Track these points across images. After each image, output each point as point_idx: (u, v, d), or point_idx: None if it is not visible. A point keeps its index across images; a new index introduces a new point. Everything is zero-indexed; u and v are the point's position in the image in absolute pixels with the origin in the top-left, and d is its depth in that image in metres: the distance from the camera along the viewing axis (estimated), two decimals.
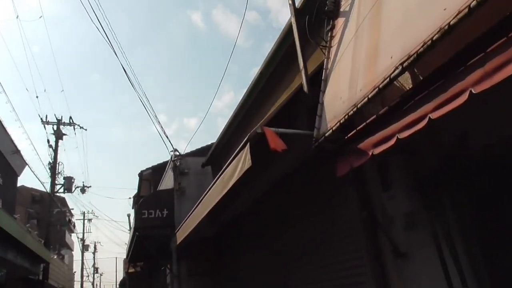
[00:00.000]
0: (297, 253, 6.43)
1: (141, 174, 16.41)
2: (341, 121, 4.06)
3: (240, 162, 4.64)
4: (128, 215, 26.05)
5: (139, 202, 18.31)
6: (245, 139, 4.57)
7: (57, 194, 23.83)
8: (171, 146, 14.90)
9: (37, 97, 45.51)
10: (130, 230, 18.41)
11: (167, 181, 10.14)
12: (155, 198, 9.57)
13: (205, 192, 6.66)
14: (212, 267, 8.62)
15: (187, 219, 7.36)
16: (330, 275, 5.40)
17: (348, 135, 4.08)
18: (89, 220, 50.03)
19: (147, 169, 16.57)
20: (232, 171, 5.00)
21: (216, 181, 6.11)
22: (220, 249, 8.90)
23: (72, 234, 55.20)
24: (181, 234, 7.29)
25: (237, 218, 8.10)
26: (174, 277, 8.46)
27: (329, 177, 4.60)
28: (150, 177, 16.23)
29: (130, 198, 21.73)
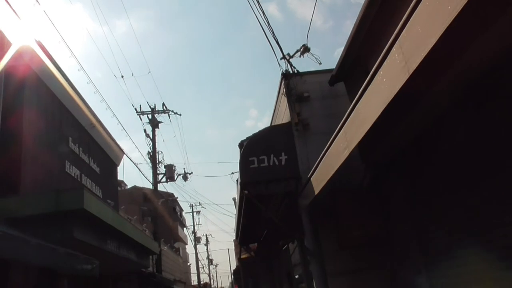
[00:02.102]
0: None
1: (241, 145, 14.10)
2: None
3: None
4: (234, 199, 24.32)
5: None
6: None
7: (161, 183, 22.95)
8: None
9: (122, 76, 46.58)
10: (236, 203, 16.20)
11: (280, 114, 7.19)
12: (266, 139, 6.26)
13: (348, 113, 3.74)
14: (378, 236, 5.42)
15: (321, 160, 4.57)
16: None
17: None
18: (198, 212, 50.90)
19: (247, 138, 14.20)
20: None
21: (366, 87, 3.24)
22: (389, 206, 5.44)
23: (185, 228, 57.14)
24: (317, 183, 4.55)
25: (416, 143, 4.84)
26: (311, 256, 5.61)
27: None
28: None
29: (232, 173, 19.62)
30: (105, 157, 16.15)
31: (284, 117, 6.17)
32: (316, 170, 4.68)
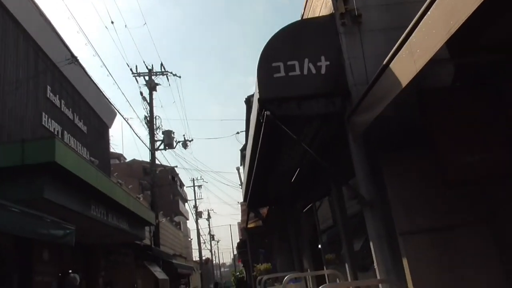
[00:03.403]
0: None
1: (248, 101, 12.26)
2: None
3: None
4: (237, 168, 22.62)
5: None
6: None
7: (159, 151, 21.18)
8: None
9: (112, 22, 43.70)
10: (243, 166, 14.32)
11: (316, 6, 4.74)
12: (297, 37, 3.83)
13: None
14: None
15: (388, 64, 2.74)
16: None
17: None
18: (199, 186, 49.51)
19: (254, 94, 12.33)
20: None
21: None
22: None
23: (186, 204, 55.97)
24: (385, 91, 2.64)
25: None
26: (367, 206, 3.58)
27: None
28: None
29: (238, 133, 17.71)
30: (94, 116, 14.32)
31: (323, 8, 4.24)
32: (374, 86, 2.84)
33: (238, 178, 22.29)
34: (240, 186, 23.67)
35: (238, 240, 25.44)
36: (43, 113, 10.20)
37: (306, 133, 3.77)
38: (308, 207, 6.34)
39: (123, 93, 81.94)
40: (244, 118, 13.84)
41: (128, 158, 47.86)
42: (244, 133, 15.34)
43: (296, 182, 5.85)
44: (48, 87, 10.68)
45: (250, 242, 11.59)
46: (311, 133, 3.85)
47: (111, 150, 39.88)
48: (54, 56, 11.05)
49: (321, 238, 5.65)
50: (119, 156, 45.25)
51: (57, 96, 11.18)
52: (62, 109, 11.45)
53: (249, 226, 10.83)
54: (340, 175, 3.90)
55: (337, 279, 3.78)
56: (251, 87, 12.74)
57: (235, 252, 74.46)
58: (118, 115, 16.27)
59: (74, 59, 10.01)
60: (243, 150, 25.98)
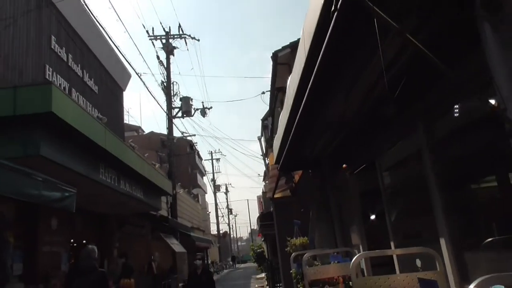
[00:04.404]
0: None
1: (275, 56, 10.85)
2: None
3: None
4: (259, 138, 21.39)
5: (276, 94, 13.04)
6: None
7: (177, 118, 20.07)
8: None
9: None
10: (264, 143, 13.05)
11: None
12: None
13: None
14: None
15: None
16: None
17: None
18: (217, 159, 48.76)
19: (283, 48, 10.89)
20: None
21: None
22: None
23: (204, 177, 55.47)
24: None
25: None
26: None
27: None
28: (289, 59, 10.55)
29: (263, 92, 16.28)
30: (107, 75, 13.15)
31: None
32: None
33: (260, 148, 21.10)
34: (262, 156, 22.49)
35: (259, 214, 24.46)
36: (47, 66, 9.05)
37: (405, 24, 2.39)
38: (361, 167, 5.02)
39: (139, 51, 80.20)
40: (270, 78, 12.41)
41: (146, 131, 47.28)
42: (269, 93, 13.90)
43: (353, 130, 4.49)
44: (53, 37, 9.49)
45: (277, 214, 10.40)
46: (412, 24, 2.47)
47: (129, 122, 39.11)
48: (60, 5, 9.82)
49: (388, 205, 4.35)
50: (137, 129, 44.68)
51: (64, 48, 10.00)
52: (70, 64, 10.29)
53: (276, 196, 9.61)
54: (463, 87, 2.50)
55: (436, 263, 2.50)
56: (270, 62, 11.26)
57: (253, 227, 74.33)
58: (132, 78, 15.09)
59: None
60: (264, 119, 24.68)
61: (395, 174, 4.48)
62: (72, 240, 10.32)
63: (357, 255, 2.81)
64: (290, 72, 11.01)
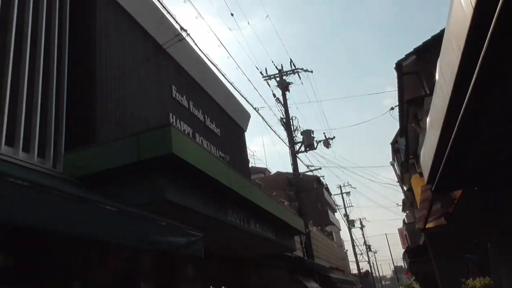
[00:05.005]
0: None
1: (399, 67, 9.50)
2: None
3: None
4: (392, 163, 19.40)
5: (407, 108, 11.27)
6: None
7: (300, 153, 19.48)
8: None
9: (232, 14, 44.47)
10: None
11: None
12: None
13: None
14: None
15: None
16: None
17: None
18: (347, 193, 46.50)
19: (407, 56, 9.53)
20: None
21: None
22: None
23: (335, 213, 53.31)
24: None
25: None
26: None
27: None
28: (415, 66, 9.15)
29: (392, 108, 14.56)
30: (227, 118, 13.31)
31: None
32: None
33: (395, 174, 19.05)
34: (398, 183, 20.28)
35: (404, 249, 21.78)
36: (170, 114, 9.30)
37: None
38: None
39: (254, 87, 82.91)
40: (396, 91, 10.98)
41: (272, 171, 47.97)
42: (397, 108, 12.33)
43: None
44: (173, 86, 9.83)
45: (433, 248, 8.61)
46: None
47: (255, 165, 40.21)
48: (178, 56, 10.25)
49: None
50: (264, 171, 45.65)
51: (184, 96, 10.30)
52: (191, 110, 10.53)
53: (428, 226, 7.89)
54: None
55: None
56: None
57: (396, 263, 67.88)
58: (253, 123, 15.11)
59: (181, 35, 8.76)
60: (394, 143, 22.56)
61: None
62: (211, 287, 10.07)
63: None
64: (420, 81, 9.46)
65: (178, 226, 4.80)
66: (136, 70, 8.31)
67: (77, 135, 6.72)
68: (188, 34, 8.52)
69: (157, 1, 9.06)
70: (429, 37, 9.50)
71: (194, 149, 6.39)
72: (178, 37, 8.64)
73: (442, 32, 10.58)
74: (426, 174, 5.23)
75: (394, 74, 9.70)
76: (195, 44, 10.78)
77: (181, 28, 8.59)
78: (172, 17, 9.33)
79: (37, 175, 5.34)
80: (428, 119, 4.56)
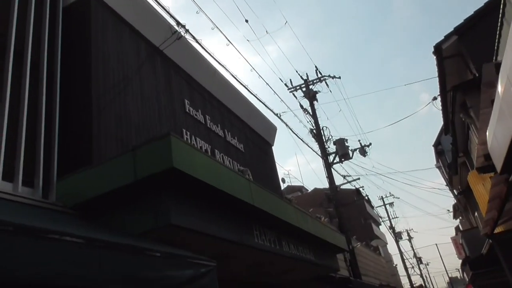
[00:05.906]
0: None
1: (438, 50, 8.23)
2: None
3: None
4: (437, 166, 17.68)
5: (453, 96, 9.77)
6: None
7: (335, 164, 18.17)
8: None
9: (246, 21, 43.51)
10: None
11: None
12: None
13: None
14: None
15: None
16: None
17: None
18: (390, 204, 44.05)
19: (446, 37, 8.26)
20: None
21: None
22: None
23: (380, 226, 50.68)
24: None
25: None
26: None
27: None
28: (458, 48, 7.85)
29: (435, 98, 12.97)
30: (251, 132, 12.36)
31: None
32: None
33: (442, 177, 17.29)
34: (447, 186, 18.45)
35: (462, 259, 19.67)
36: (184, 130, 8.45)
37: None
38: None
39: (280, 98, 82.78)
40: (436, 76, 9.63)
41: (310, 189, 46.48)
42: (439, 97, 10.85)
43: None
44: (186, 101, 9.02)
45: (505, 256, 7.11)
46: None
47: (291, 184, 38.85)
48: (188, 68, 9.49)
49: None
50: (301, 188, 44.22)
51: (199, 111, 9.46)
52: (208, 125, 9.66)
53: (497, 231, 6.47)
54: None
55: None
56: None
57: (450, 274, 63.37)
58: (283, 140, 14.11)
59: (179, 32, 7.87)
60: (437, 144, 20.78)
61: None
62: None
63: None
64: (465, 64, 8.14)
65: (179, 256, 3.80)
66: (141, 85, 7.54)
67: (74, 159, 5.94)
68: (185, 29, 7.66)
69: (163, 10, 8.37)
70: (472, 13, 8.25)
71: (203, 162, 5.42)
72: (176, 35, 7.81)
73: (486, 6, 9.28)
74: (499, 162, 3.97)
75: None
76: (211, 56, 10.02)
77: (195, 40, 7.76)
78: (184, 27, 8.60)
79: (21, 208, 4.53)
80: (499, 89, 3.38)
